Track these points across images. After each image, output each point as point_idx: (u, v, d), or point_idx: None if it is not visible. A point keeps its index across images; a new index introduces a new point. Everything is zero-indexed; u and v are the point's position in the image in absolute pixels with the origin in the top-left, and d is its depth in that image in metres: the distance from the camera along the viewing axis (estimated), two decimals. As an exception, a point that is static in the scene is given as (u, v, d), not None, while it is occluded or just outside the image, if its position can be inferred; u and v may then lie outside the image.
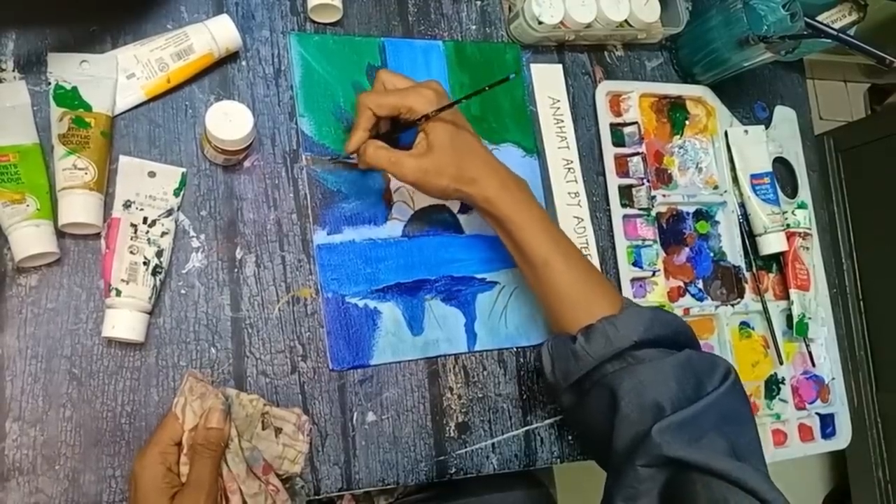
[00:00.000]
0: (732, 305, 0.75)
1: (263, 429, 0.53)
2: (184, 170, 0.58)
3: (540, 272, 0.57)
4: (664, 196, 0.74)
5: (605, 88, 0.74)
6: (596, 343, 0.54)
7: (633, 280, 0.71)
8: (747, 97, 0.82)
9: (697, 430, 0.48)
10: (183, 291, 0.57)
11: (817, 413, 0.77)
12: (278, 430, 0.54)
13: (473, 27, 0.71)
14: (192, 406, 0.50)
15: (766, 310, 0.76)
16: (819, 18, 0.79)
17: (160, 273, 0.54)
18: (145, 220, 0.55)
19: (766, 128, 0.81)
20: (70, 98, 0.54)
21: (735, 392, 0.52)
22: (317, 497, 0.58)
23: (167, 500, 0.48)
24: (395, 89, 0.58)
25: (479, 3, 0.72)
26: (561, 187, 0.71)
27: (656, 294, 0.71)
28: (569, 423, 0.61)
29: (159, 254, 0.54)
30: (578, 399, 0.58)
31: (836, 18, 0.81)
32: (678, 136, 0.78)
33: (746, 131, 0.79)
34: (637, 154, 0.73)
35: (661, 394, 0.50)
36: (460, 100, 0.58)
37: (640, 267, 0.71)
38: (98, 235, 0.55)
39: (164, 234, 0.55)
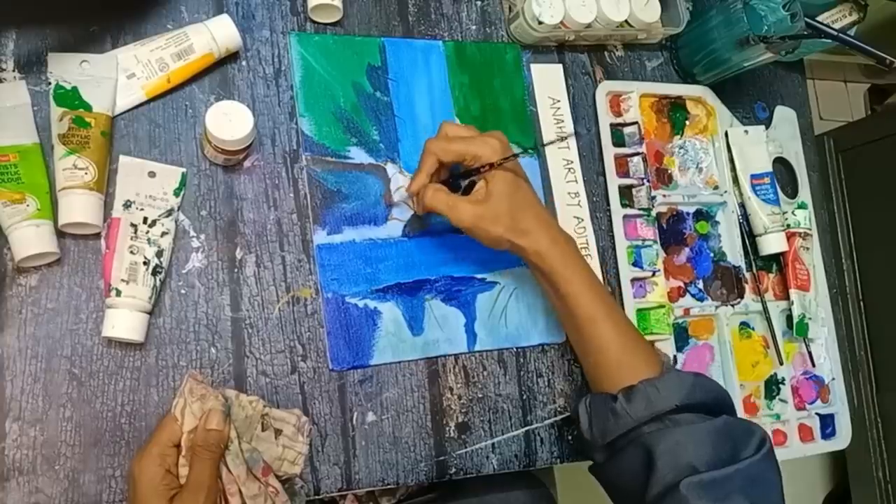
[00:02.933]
0: (732, 305, 0.75)
1: (263, 430, 0.53)
2: (184, 170, 0.58)
3: (585, 329, 0.58)
4: (664, 196, 0.74)
5: (605, 88, 0.74)
6: (637, 404, 0.55)
7: (633, 280, 0.71)
8: (747, 97, 0.82)
9: (724, 490, 0.50)
10: (183, 291, 0.57)
11: (817, 413, 0.77)
12: (278, 432, 0.54)
13: (473, 27, 0.71)
14: (191, 408, 0.50)
15: (766, 310, 0.76)
16: (819, 19, 0.79)
17: (160, 273, 0.54)
18: (145, 220, 0.55)
19: (767, 128, 0.81)
20: (70, 98, 0.54)
21: (769, 460, 0.53)
22: (317, 497, 0.58)
23: (165, 501, 0.47)
24: (461, 136, 0.59)
25: (479, 3, 0.72)
26: (561, 187, 0.71)
27: (656, 294, 0.71)
28: (598, 477, 0.62)
29: (159, 254, 0.54)
30: (612, 455, 0.58)
31: (836, 19, 0.81)
32: (678, 137, 0.78)
33: (746, 131, 0.79)
34: (637, 154, 0.73)
35: (697, 457, 0.51)
36: (525, 150, 0.61)
37: (641, 267, 0.71)
38: (98, 235, 0.55)
39: (164, 234, 0.55)
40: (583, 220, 0.71)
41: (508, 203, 0.58)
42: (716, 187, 0.78)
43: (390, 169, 0.65)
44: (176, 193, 0.57)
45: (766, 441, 0.54)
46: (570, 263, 0.59)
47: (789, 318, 0.78)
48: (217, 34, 0.58)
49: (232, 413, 0.52)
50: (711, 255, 0.77)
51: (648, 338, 0.70)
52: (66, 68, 0.55)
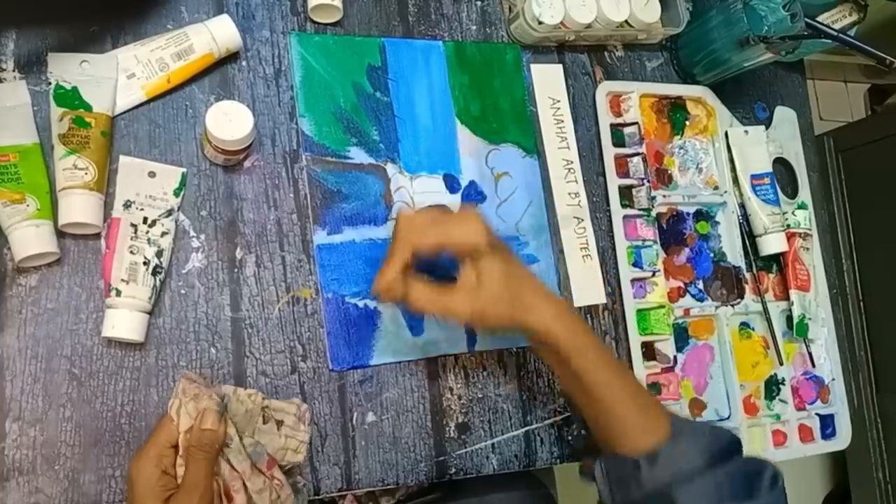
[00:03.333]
0: (732, 306, 0.75)
1: (265, 423, 0.53)
2: (184, 170, 0.58)
3: (596, 396, 0.56)
4: (664, 196, 0.74)
5: (605, 89, 0.74)
6: (662, 469, 0.54)
7: (633, 280, 0.71)
8: (747, 98, 0.82)
9: None
10: (183, 291, 0.57)
11: (817, 414, 0.77)
12: (279, 423, 0.53)
13: (474, 27, 0.71)
14: (186, 408, 0.50)
15: (766, 310, 0.76)
16: (819, 19, 0.79)
17: (160, 273, 0.54)
18: (145, 220, 0.55)
19: (767, 128, 0.81)
20: (70, 98, 0.54)
21: (782, 495, 0.55)
22: (317, 497, 0.58)
23: (161, 502, 0.47)
24: (434, 222, 0.54)
25: (479, 3, 0.72)
26: (561, 187, 0.71)
27: (656, 294, 0.71)
28: None
29: (159, 254, 0.54)
30: None
31: (837, 19, 0.81)
32: (678, 137, 0.78)
33: (747, 132, 0.79)
34: (637, 154, 0.73)
35: (717, 500, 0.52)
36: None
37: (640, 267, 0.71)
38: (98, 235, 0.55)
39: (164, 234, 0.55)
40: (583, 220, 0.71)
41: (505, 284, 0.54)
42: (716, 187, 0.78)
43: (390, 169, 0.65)
44: (176, 193, 0.57)
45: (778, 476, 0.55)
46: (577, 332, 0.56)
47: (789, 318, 0.78)
48: (217, 34, 0.58)
49: (231, 409, 0.52)
50: (711, 255, 0.77)
51: (648, 338, 0.70)
52: (67, 68, 0.55)
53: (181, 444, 0.49)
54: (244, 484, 0.50)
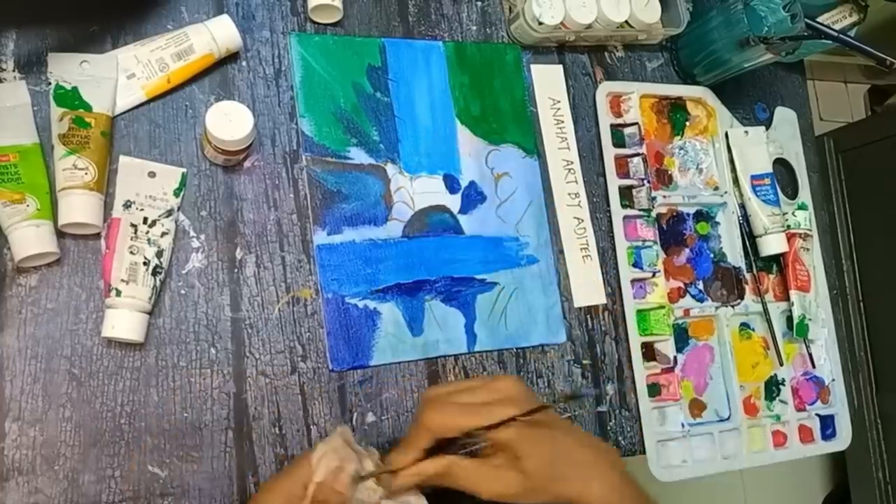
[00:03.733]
0: (733, 306, 0.75)
1: None
2: (184, 170, 0.58)
3: None
4: (664, 197, 0.74)
5: (605, 89, 0.74)
6: None
7: (633, 281, 0.71)
8: (748, 98, 0.82)
9: None
10: (183, 292, 0.57)
11: (817, 414, 0.77)
12: None
13: (474, 28, 0.71)
14: (327, 460, 0.48)
15: (766, 311, 0.76)
16: (819, 19, 0.79)
17: (160, 273, 0.54)
18: (145, 220, 0.55)
19: (767, 129, 0.81)
20: (70, 98, 0.54)
21: None
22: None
23: None
24: (468, 404, 0.49)
25: (479, 3, 0.72)
26: (561, 188, 0.71)
27: (656, 295, 0.71)
28: None
29: (159, 254, 0.54)
30: None
31: (837, 19, 0.81)
32: (678, 137, 0.78)
33: (747, 132, 0.79)
34: (637, 155, 0.73)
35: None
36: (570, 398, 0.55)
37: (641, 268, 0.71)
38: (98, 235, 0.55)
39: (164, 234, 0.55)
40: (583, 220, 0.71)
41: (550, 463, 0.49)
42: (716, 188, 0.78)
43: (390, 169, 0.65)
44: (176, 194, 0.57)
45: None
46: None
47: (789, 318, 0.78)
48: (217, 34, 0.58)
49: (355, 494, 0.50)
50: (711, 255, 0.77)
51: (648, 339, 0.70)
52: (67, 68, 0.55)
53: (308, 491, 0.48)
54: None
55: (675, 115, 0.78)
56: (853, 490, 1.59)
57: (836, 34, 0.77)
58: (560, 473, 0.49)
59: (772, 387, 0.76)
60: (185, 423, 0.55)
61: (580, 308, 0.69)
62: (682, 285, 0.74)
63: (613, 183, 0.72)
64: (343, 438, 0.51)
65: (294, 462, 0.50)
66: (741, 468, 0.72)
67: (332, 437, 0.51)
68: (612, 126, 0.74)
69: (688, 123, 0.78)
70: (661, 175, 0.76)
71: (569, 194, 0.71)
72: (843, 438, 0.78)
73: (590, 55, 0.76)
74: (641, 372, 0.69)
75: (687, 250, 0.76)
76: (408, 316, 0.63)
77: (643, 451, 0.68)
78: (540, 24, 0.69)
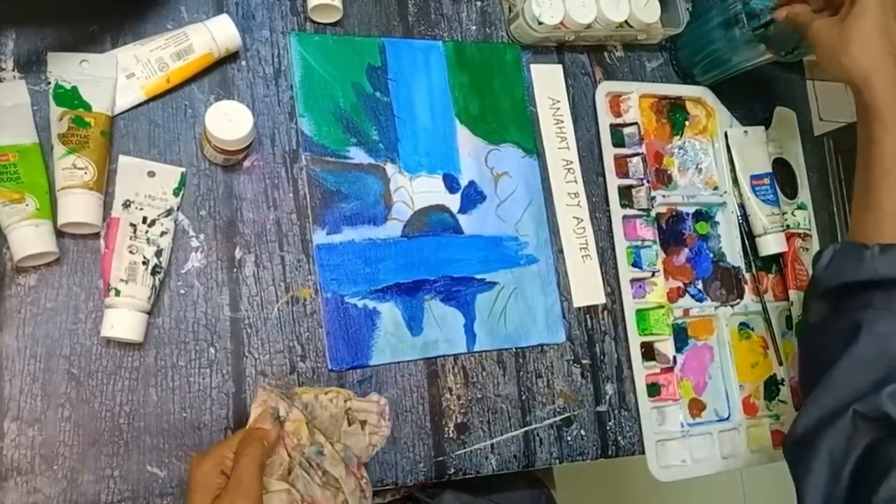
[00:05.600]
0: (732, 306, 0.75)
1: (349, 425, 0.53)
2: (183, 169, 0.58)
3: (882, 181, 0.53)
4: (664, 197, 0.74)
5: (604, 89, 0.74)
6: (888, 259, 0.51)
7: (633, 281, 0.71)
8: (747, 98, 0.82)
9: None
10: (182, 291, 0.57)
11: (817, 414, 0.77)
12: (363, 423, 0.53)
13: (473, 27, 0.71)
14: (253, 412, 0.50)
15: (765, 311, 0.76)
16: (819, 19, 0.79)
17: (159, 273, 0.54)
18: (145, 219, 0.55)
19: (766, 128, 0.81)
20: (70, 97, 0.54)
21: None
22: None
23: (209, 500, 0.46)
24: None
25: (479, 3, 0.72)
26: (561, 188, 0.71)
27: (656, 295, 0.71)
28: (800, 337, 0.58)
29: (158, 254, 0.54)
30: (824, 316, 0.55)
31: (836, 19, 0.81)
32: (678, 137, 0.78)
33: (746, 132, 0.79)
34: (637, 155, 0.73)
35: None
36: None
37: (640, 267, 0.71)
38: (97, 235, 0.55)
39: (163, 233, 0.55)
40: (582, 220, 0.71)
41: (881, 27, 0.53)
42: (715, 188, 0.78)
43: (390, 169, 0.65)
44: (175, 193, 0.57)
45: None
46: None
47: (789, 318, 0.78)
48: (217, 34, 0.58)
49: (316, 415, 0.52)
50: (711, 255, 0.77)
51: (648, 338, 0.70)
52: (66, 68, 0.55)
53: (237, 436, 0.49)
54: (342, 488, 0.50)
55: (674, 114, 0.78)
56: (853, 490, 1.59)
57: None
58: (866, 52, 0.53)
59: (771, 386, 0.76)
60: (185, 422, 0.55)
61: (579, 308, 0.69)
62: (681, 285, 0.74)
63: (613, 183, 0.72)
64: (263, 390, 0.52)
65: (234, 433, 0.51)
66: (740, 468, 0.72)
67: (256, 395, 0.52)
68: (612, 126, 0.74)
69: (687, 123, 0.78)
70: (660, 175, 0.76)
71: (568, 194, 0.71)
72: (843, 438, 0.78)
73: (589, 55, 0.76)
74: (641, 372, 0.69)
75: (686, 250, 0.76)
76: (407, 315, 0.63)
77: (642, 451, 0.68)
78: (539, 23, 0.69)
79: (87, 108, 0.54)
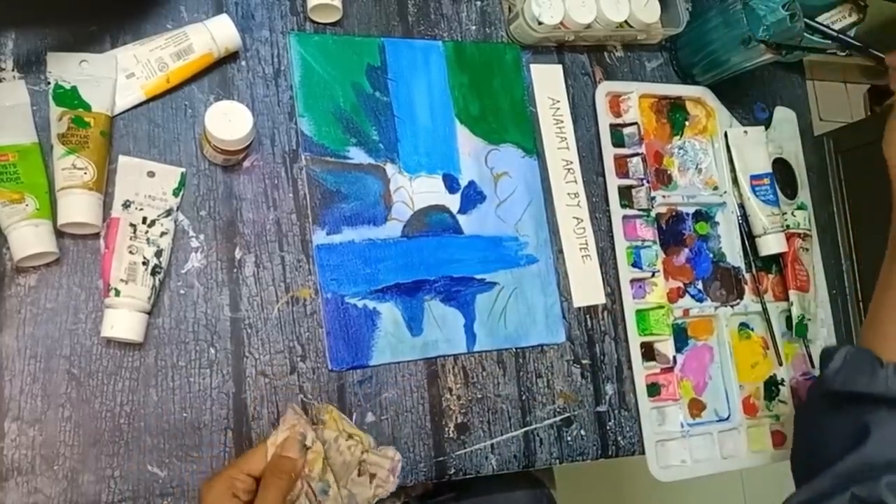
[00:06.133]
0: (732, 306, 0.75)
1: (359, 475, 0.53)
2: (183, 170, 0.58)
3: (887, 283, 0.54)
4: (664, 197, 0.74)
5: (604, 89, 0.74)
6: None
7: (633, 281, 0.71)
8: (747, 98, 0.82)
9: None
10: (182, 291, 0.57)
11: (817, 414, 0.77)
12: (372, 476, 0.54)
13: (473, 27, 0.71)
14: (276, 437, 0.50)
15: (765, 311, 0.76)
16: (819, 19, 0.79)
17: (159, 273, 0.54)
18: (144, 219, 0.55)
19: (766, 129, 0.81)
20: (69, 98, 0.54)
21: None
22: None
23: None
24: None
25: (478, 3, 0.72)
26: (561, 188, 0.71)
27: (655, 295, 0.71)
28: (798, 420, 0.59)
29: (158, 254, 0.54)
30: (827, 409, 0.56)
31: (836, 19, 0.81)
32: (678, 137, 0.78)
33: (746, 132, 0.79)
34: (637, 155, 0.73)
35: None
36: None
37: (640, 268, 0.71)
38: (97, 235, 0.55)
39: (163, 234, 0.55)
40: (582, 220, 0.71)
41: None
42: (715, 188, 0.78)
43: (390, 169, 0.65)
44: (175, 193, 0.57)
45: None
46: None
47: (788, 318, 0.78)
48: (216, 34, 0.58)
49: (330, 456, 0.52)
50: (711, 255, 0.77)
51: (648, 338, 0.70)
52: (66, 68, 0.55)
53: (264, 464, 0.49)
54: None
55: (674, 114, 0.78)
56: (853, 490, 1.59)
57: (835, 34, 0.77)
58: None
59: (771, 387, 0.76)
60: (185, 422, 0.55)
61: (579, 308, 0.69)
62: (681, 285, 0.74)
63: (613, 183, 0.72)
64: (292, 412, 0.52)
65: (244, 452, 0.51)
66: (740, 468, 0.72)
67: (284, 417, 0.52)
68: (612, 126, 0.74)
69: (687, 123, 0.78)
70: (660, 175, 0.76)
71: (568, 194, 0.71)
72: (843, 438, 0.78)
73: (589, 55, 0.76)
74: (641, 372, 0.69)
75: (686, 250, 0.76)
76: (407, 316, 0.63)
77: (642, 452, 0.68)
78: (539, 23, 0.69)
79: (87, 108, 0.54)
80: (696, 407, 0.72)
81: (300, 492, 0.50)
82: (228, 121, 0.55)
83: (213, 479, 0.48)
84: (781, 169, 0.82)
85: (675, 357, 0.71)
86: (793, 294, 0.77)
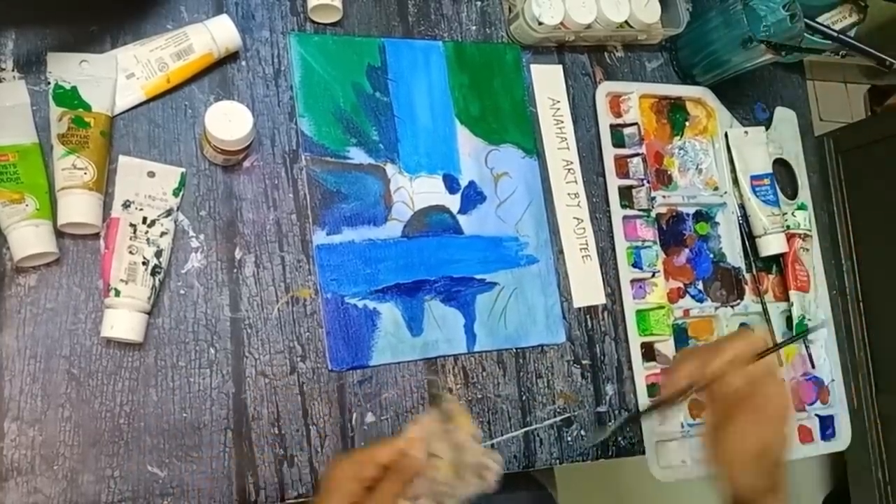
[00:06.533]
0: (732, 307, 0.75)
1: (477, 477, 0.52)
2: (183, 170, 0.58)
3: None
4: (664, 197, 0.74)
5: (605, 89, 0.74)
6: None
7: (633, 281, 0.71)
8: (747, 98, 0.82)
9: None
10: (182, 292, 0.57)
11: (817, 414, 0.77)
12: (478, 476, 0.52)
13: (473, 28, 0.71)
14: (412, 430, 0.49)
15: (765, 311, 0.76)
16: (819, 20, 0.79)
17: (159, 273, 0.54)
18: (144, 220, 0.55)
19: (766, 129, 0.81)
20: (69, 98, 0.54)
21: None
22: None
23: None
24: (713, 350, 0.54)
25: (479, 3, 0.72)
26: (561, 188, 0.71)
27: (656, 295, 0.71)
28: None
29: (158, 254, 0.54)
30: None
31: (837, 20, 0.82)
32: (678, 137, 0.78)
33: (746, 132, 0.79)
34: (637, 155, 0.73)
35: None
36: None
37: (640, 268, 0.71)
38: (97, 235, 0.55)
39: (163, 234, 0.55)
40: (582, 220, 0.71)
41: (778, 422, 0.51)
42: (715, 188, 0.78)
43: (390, 169, 0.65)
44: (175, 193, 0.57)
45: None
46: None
47: (789, 319, 0.78)
48: (217, 34, 0.58)
49: (461, 461, 0.50)
50: (711, 256, 0.77)
51: (648, 339, 0.70)
52: (66, 68, 0.55)
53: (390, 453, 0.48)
54: None
55: (674, 115, 0.78)
56: (853, 490, 1.59)
57: (835, 34, 0.77)
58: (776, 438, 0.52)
59: (771, 387, 0.76)
60: (185, 423, 0.55)
61: (580, 308, 0.69)
62: (681, 285, 0.74)
63: (613, 183, 0.72)
64: (441, 414, 0.51)
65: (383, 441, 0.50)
66: (741, 468, 0.72)
67: (423, 417, 0.51)
68: (612, 126, 0.74)
69: (687, 123, 0.78)
70: (660, 175, 0.76)
71: (568, 194, 0.71)
72: (843, 439, 0.78)
73: (589, 55, 0.76)
74: (641, 372, 0.69)
75: (686, 250, 0.76)
76: (407, 316, 0.63)
77: (643, 452, 0.68)
78: (539, 24, 0.69)
79: (87, 108, 0.54)
80: (697, 407, 0.72)
81: (423, 491, 0.49)
82: (228, 121, 0.55)
83: (344, 460, 0.48)
84: (782, 169, 0.82)
85: (675, 357, 0.71)
86: (793, 294, 0.77)
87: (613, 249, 0.71)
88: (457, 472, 0.51)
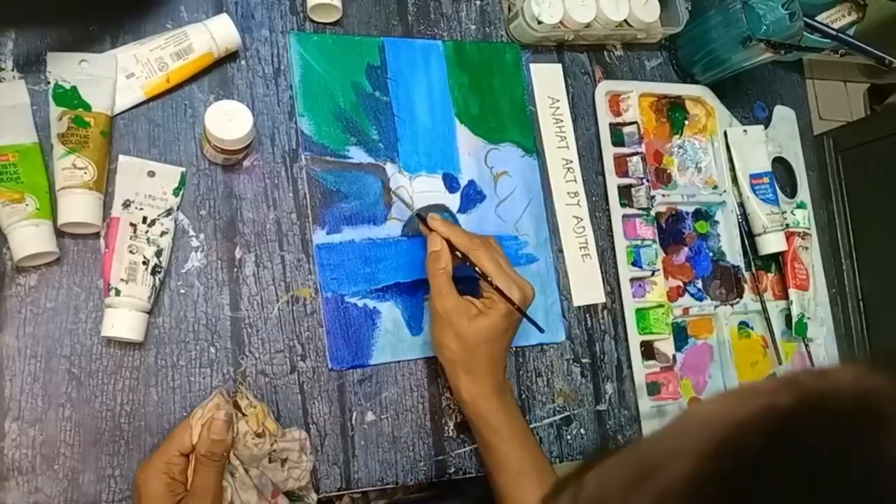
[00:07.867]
0: (731, 305, 0.75)
1: (270, 462, 0.53)
2: (183, 169, 0.58)
3: (512, 481, 0.57)
4: (663, 196, 0.74)
5: (604, 88, 0.74)
6: None
7: (633, 280, 0.71)
8: (746, 97, 0.82)
9: None
10: (182, 291, 0.57)
11: (816, 413, 0.77)
12: (284, 461, 0.54)
13: (473, 27, 0.71)
14: (199, 419, 0.50)
15: (765, 310, 0.76)
16: (818, 18, 0.79)
17: (159, 273, 0.54)
18: (145, 219, 0.55)
19: (766, 128, 0.81)
20: (69, 97, 0.54)
21: None
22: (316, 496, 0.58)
23: None
24: (494, 258, 0.58)
25: (478, 2, 0.72)
26: (560, 187, 0.71)
27: (655, 294, 0.71)
28: None
29: (159, 253, 0.54)
30: None
31: (836, 18, 0.81)
32: (677, 136, 0.78)
33: (746, 131, 0.79)
34: (636, 154, 0.73)
35: None
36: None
37: (640, 267, 0.71)
38: (97, 235, 0.55)
39: (163, 233, 0.55)
40: (582, 219, 0.71)
41: (487, 339, 0.56)
42: (715, 187, 0.78)
43: (389, 168, 0.65)
44: (175, 193, 0.57)
45: None
46: (504, 418, 0.57)
47: (788, 317, 0.78)
48: (216, 34, 0.58)
49: (237, 448, 0.51)
50: (710, 254, 0.77)
51: (648, 337, 0.70)
52: (66, 68, 0.55)
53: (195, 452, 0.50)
54: None
55: (674, 113, 0.78)
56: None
57: (834, 33, 0.77)
58: (483, 351, 0.56)
59: (771, 385, 0.76)
60: (185, 422, 0.55)
61: (579, 307, 0.69)
62: (681, 284, 0.74)
63: (612, 182, 0.72)
64: (220, 397, 0.52)
65: (168, 436, 0.51)
66: (740, 467, 0.72)
67: (210, 399, 0.52)
68: (612, 125, 0.74)
69: (687, 122, 0.78)
70: (660, 174, 0.76)
71: (568, 193, 0.71)
72: (842, 437, 0.78)
73: (589, 54, 0.76)
74: (641, 371, 0.69)
75: (686, 249, 0.76)
76: (407, 315, 0.63)
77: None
78: (539, 23, 0.69)
79: (87, 107, 0.54)
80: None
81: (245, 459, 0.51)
82: (228, 120, 0.55)
83: (147, 469, 0.49)
84: (781, 168, 0.82)
85: (674, 356, 0.71)
86: (792, 293, 0.77)
87: (613, 248, 0.71)
88: (244, 461, 0.52)
